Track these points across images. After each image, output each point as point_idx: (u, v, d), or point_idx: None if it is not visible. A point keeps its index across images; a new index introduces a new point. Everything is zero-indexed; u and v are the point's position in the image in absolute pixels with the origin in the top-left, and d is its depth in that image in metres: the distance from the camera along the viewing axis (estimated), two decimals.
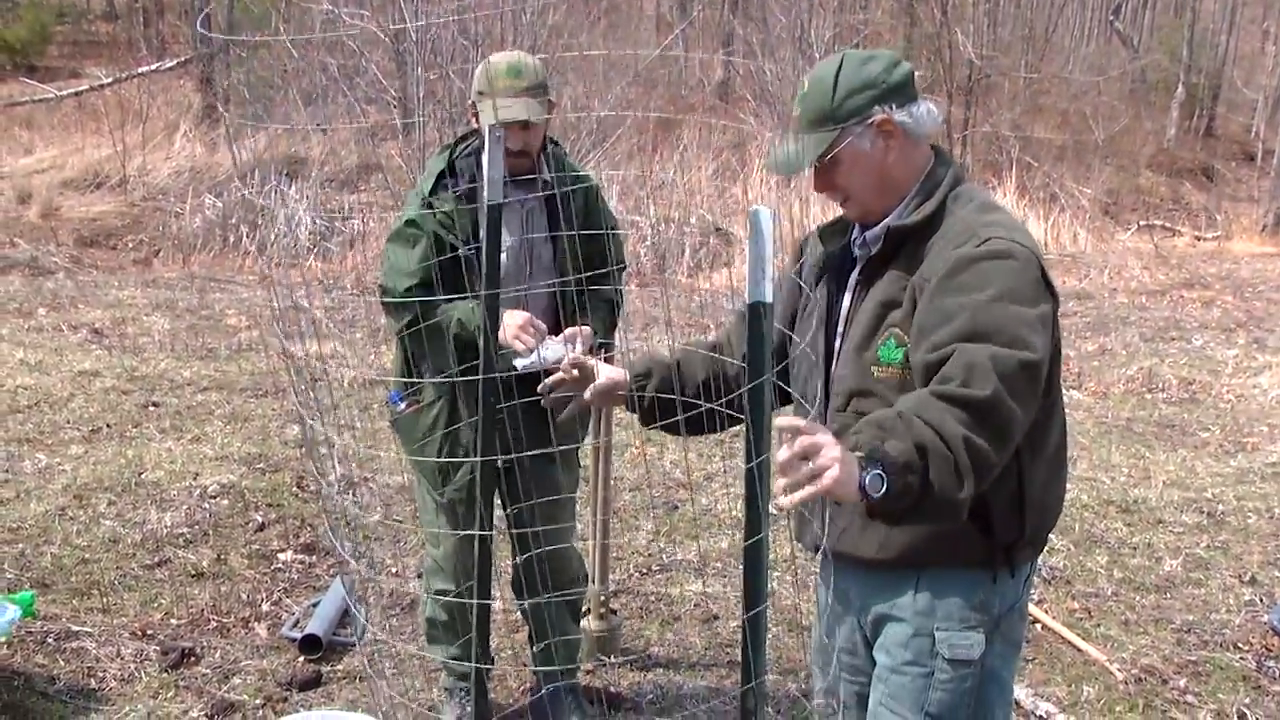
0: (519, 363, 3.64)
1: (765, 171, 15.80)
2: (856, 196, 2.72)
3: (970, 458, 2.30)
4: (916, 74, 2.73)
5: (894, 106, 2.63)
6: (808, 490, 2.20)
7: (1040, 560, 5.78)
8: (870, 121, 2.63)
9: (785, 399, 2.97)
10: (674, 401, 2.97)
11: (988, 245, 2.51)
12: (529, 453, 3.27)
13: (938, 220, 2.64)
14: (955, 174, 2.71)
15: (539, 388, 3.11)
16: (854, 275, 2.77)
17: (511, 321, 3.72)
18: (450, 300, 3.84)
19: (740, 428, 2.40)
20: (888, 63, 2.67)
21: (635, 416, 3.10)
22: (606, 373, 3.06)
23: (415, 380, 4.09)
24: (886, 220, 2.68)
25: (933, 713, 2.71)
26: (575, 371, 3.06)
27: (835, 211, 2.87)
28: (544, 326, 3.75)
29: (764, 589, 2.33)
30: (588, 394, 3.07)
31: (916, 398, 2.39)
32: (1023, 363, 2.39)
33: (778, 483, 2.21)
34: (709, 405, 2.94)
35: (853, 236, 2.80)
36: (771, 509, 2.25)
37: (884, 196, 2.70)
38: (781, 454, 2.19)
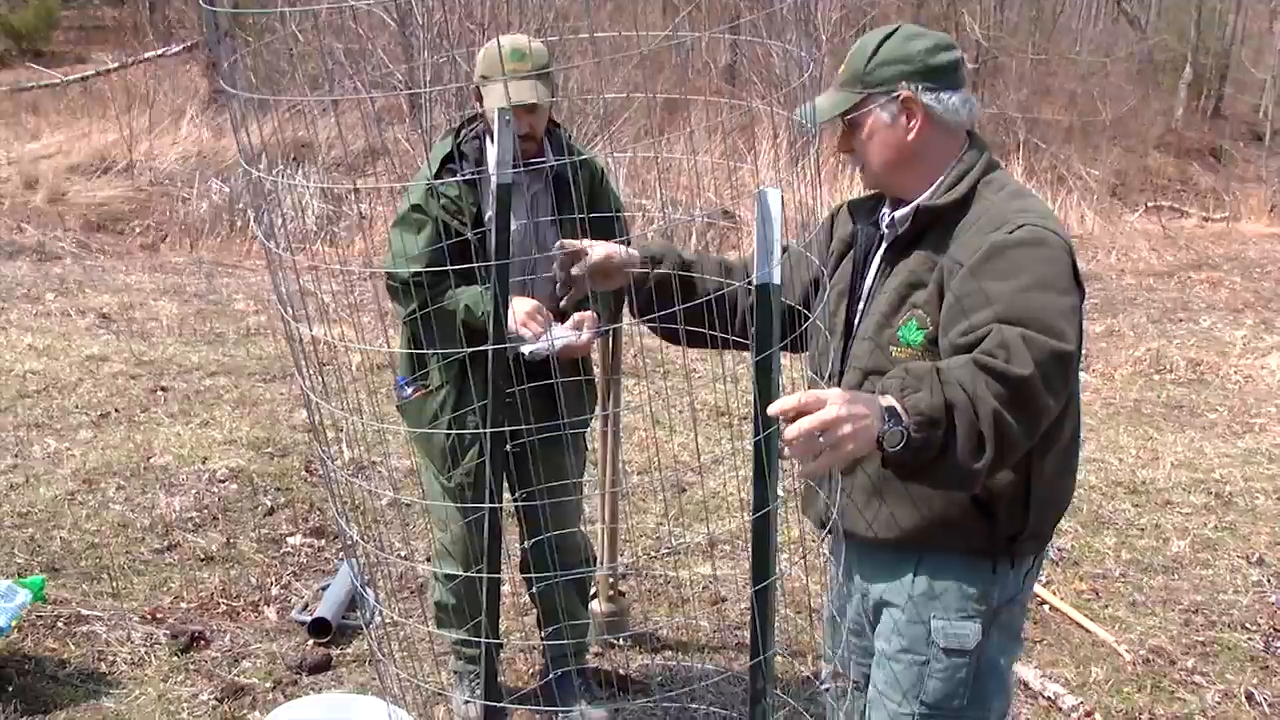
0: (526, 349, 3.64)
1: (776, 141, 15.77)
2: (870, 165, 2.72)
3: (996, 431, 2.28)
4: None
5: (921, 87, 2.62)
6: (823, 460, 2.21)
7: (1047, 547, 5.78)
8: (895, 95, 2.63)
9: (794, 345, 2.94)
10: (675, 297, 2.91)
11: (1022, 232, 2.50)
12: (537, 436, 3.28)
13: (967, 204, 2.63)
14: (988, 161, 2.70)
15: (558, 295, 3.04)
16: (880, 253, 2.76)
17: (520, 308, 3.73)
18: (457, 285, 3.85)
19: (748, 411, 2.40)
20: (934, 44, 2.66)
21: (639, 389, 3.07)
22: (608, 250, 2.99)
23: (422, 366, 4.09)
24: (916, 200, 2.67)
25: (928, 701, 2.71)
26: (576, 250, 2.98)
27: (843, 195, 2.87)
28: (550, 315, 3.75)
29: (773, 564, 2.33)
30: (594, 254, 2.97)
31: (961, 361, 2.37)
32: (1056, 352, 2.39)
33: (787, 452, 2.21)
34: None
35: (882, 214, 2.79)
36: (779, 491, 2.25)
37: (898, 172, 2.70)
38: (791, 431, 2.18)
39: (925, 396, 2.27)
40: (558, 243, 3.03)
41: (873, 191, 2.85)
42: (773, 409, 2.20)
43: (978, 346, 2.40)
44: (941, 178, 2.67)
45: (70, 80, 20.21)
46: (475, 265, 3.74)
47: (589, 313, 3.86)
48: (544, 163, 4.00)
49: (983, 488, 2.51)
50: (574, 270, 2.99)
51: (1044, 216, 2.57)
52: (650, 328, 3.06)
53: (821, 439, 2.17)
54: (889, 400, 2.27)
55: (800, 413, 2.17)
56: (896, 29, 2.69)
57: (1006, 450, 2.33)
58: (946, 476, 2.34)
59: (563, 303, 3.12)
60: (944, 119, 2.66)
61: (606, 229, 4.08)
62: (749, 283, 2.88)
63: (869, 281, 2.77)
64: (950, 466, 2.30)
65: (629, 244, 3.11)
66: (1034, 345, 2.36)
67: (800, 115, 2.73)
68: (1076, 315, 2.49)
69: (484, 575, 2.93)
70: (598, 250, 2.98)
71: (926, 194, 2.67)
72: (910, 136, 2.65)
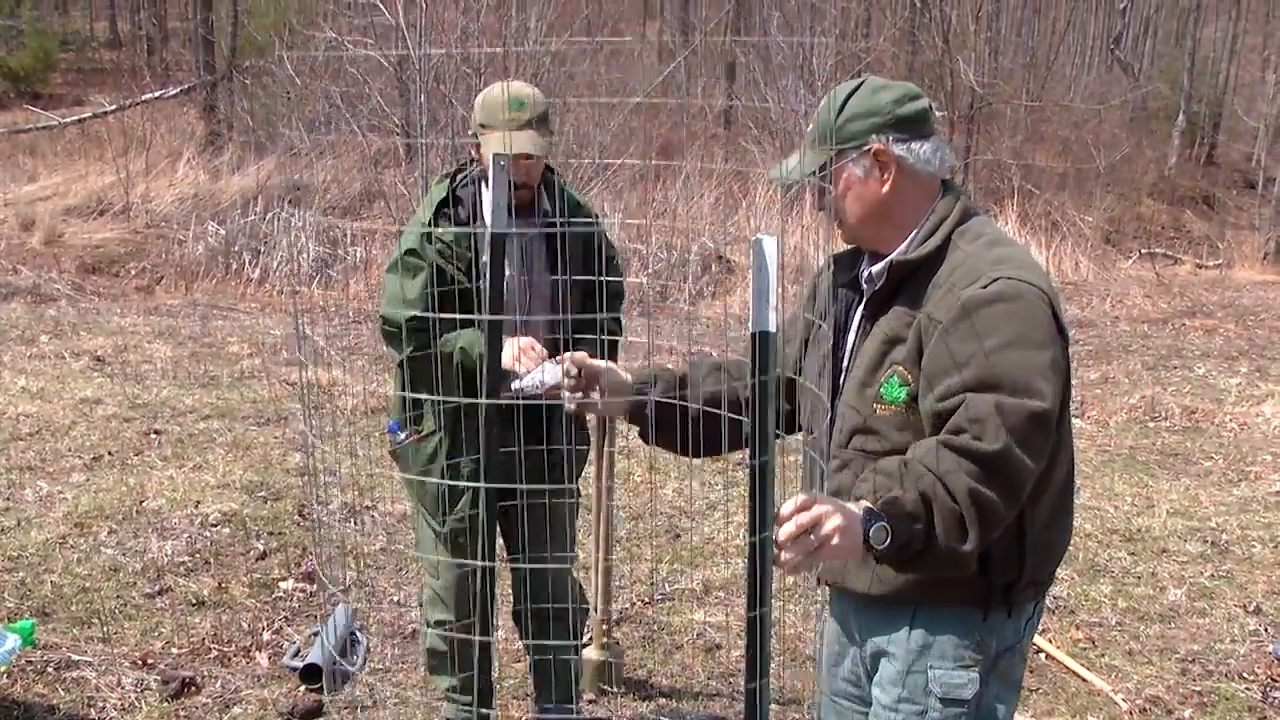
0: (515, 385, 3.62)
1: (771, 187, 15.83)
2: (846, 220, 2.71)
3: (977, 510, 2.31)
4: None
5: (892, 138, 2.61)
6: (811, 556, 2.26)
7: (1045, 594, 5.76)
8: (866, 149, 2.62)
9: (790, 427, 2.96)
10: (676, 413, 2.91)
11: (996, 286, 2.48)
12: (530, 487, 3.26)
13: (941, 255, 2.60)
14: (963, 208, 2.67)
15: (565, 402, 3.04)
16: (860, 309, 2.75)
17: (513, 345, 3.70)
18: (452, 330, 3.84)
19: (743, 456, 2.40)
20: (901, 94, 2.65)
21: (634, 431, 3.05)
22: (609, 375, 2.96)
23: (416, 410, 4.08)
24: (890, 255, 2.67)
25: None
26: (577, 375, 2.96)
27: (837, 243, 2.87)
28: (545, 351, 3.73)
29: (768, 592, 2.33)
30: (596, 395, 2.95)
31: (926, 447, 2.40)
32: (1032, 413, 2.38)
33: (782, 556, 2.25)
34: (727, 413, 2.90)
35: (861, 269, 2.78)
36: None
37: (874, 225, 2.68)
38: (782, 533, 2.22)
39: (898, 494, 2.31)
40: (567, 360, 3.01)
41: (850, 246, 2.85)
42: (780, 534, 2.25)
43: (949, 418, 2.42)
44: (915, 231, 2.66)
45: (68, 122, 20.28)
46: (469, 314, 3.73)
47: (581, 353, 3.84)
48: (538, 210, 3.99)
49: None
50: (588, 391, 2.97)
51: (1020, 266, 2.54)
52: (665, 447, 3.04)
53: (811, 536, 2.22)
54: (865, 503, 2.32)
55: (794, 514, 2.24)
56: (861, 83, 2.68)
57: (990, 525, 2.36)
58: (939, 563, 2.37)
59: (569, 406, 3.10)
60: (916, 169, 2.65)
61: (601, 274, 4.08)
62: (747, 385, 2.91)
63: (851, 338, 2.76)
64: (940, 554, 2.35)
65: (623, 298, 3.08)
66: (1007, 413, 2.37)
67: (777, 174, 2.74)
68: (1057, 368, 2.47)
69: (476, 639, 2.91)
70: (608, 378, 2.95)
71: (901, 248, 2.66)
72: (885, 189, 2.64)
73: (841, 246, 2.89)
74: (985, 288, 2.48)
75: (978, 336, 2.44)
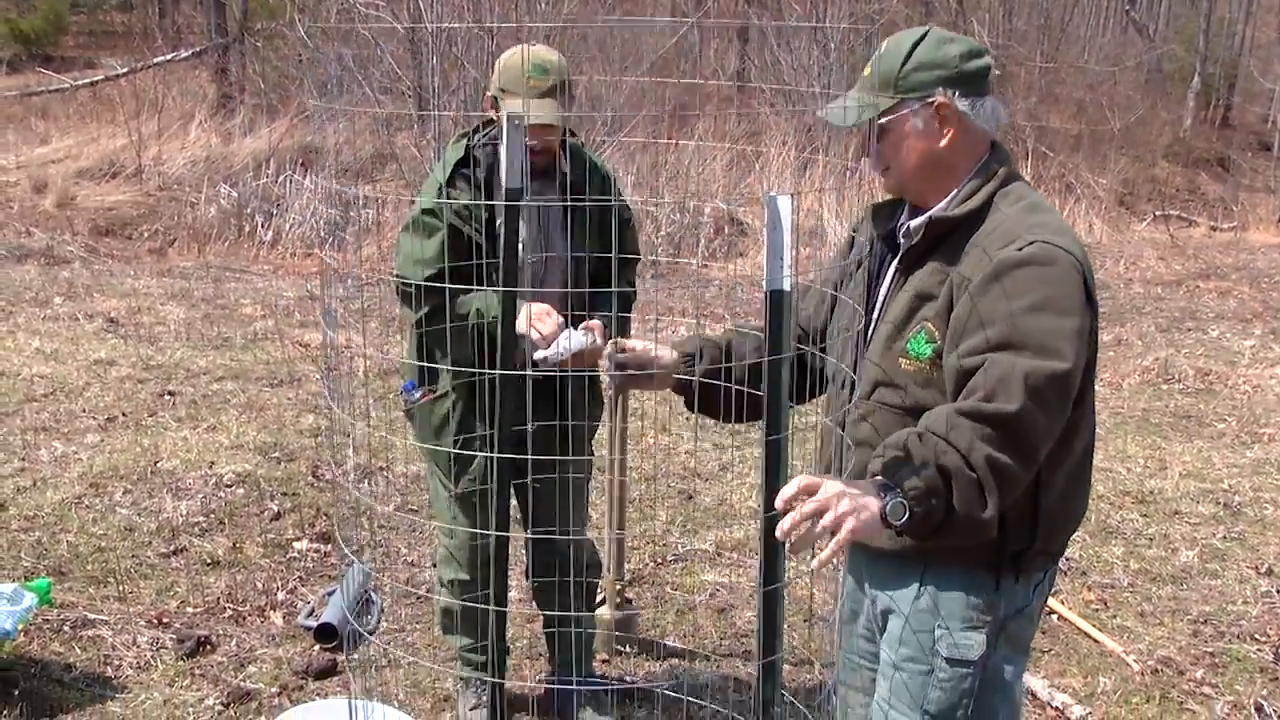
0: (539, 354, 3.61)
1: (785, 148, 15.76)
2: (897, 170, 2.69)
3: (995, 477, 2.32)
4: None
5: (958, 94, 2.60)
6: (831, 549, 2.27)
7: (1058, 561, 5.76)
8: (930, 101, 2.60)
9: (811, 390, 2.96)
10: (719, 385, 2.93)
11: (1031, 249, 2.47)
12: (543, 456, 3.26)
13: (982, 216, 2.60)
14: (1008, 171, 2.66)
15: (604, 384, 3.04)
16: (894, 263, 2.74)
17: (529, 310, 3.69)
18: (468, 290, 3.83)
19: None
20: (968, 49, 2.64)
21: (646, 393, 3.06)
22: (653, 353, 2.99)
23: (430, 370, 4.08)
24: (930, 211, 2.66)
25: (931, 711, 2.69)
26: (620, 352, 2.98)
27: (851, 204, 2.86)
28: (560, 318, 3.72)
29: (782, 567, 2.34)
30: (640, 352, 2.98)
31: (941, 415, 2.40)
32: (1053, 374, 2.39)
33: (788, 546, 2.29)
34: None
35: (899, 222, 2.77)
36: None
37: (925, 179, 2.67)
38: (785, 523, 2.24)
39: (915, 469, 2.33)
40: (609, 345, 3.02)
41: (891, 197, 2.83)
42: (778, 501, 2.26)
43: (971, 377, 2.43)
44: (958, 188, 2.65)
45: (79, 85, 20.23)
46: (486, 272, 3.73)
47: (597, 321, 3.83)
48: (557, 172, 3.97)
49: None
50: (626, 370, 2.99)
51: (1057, 232, 2.53)
52: (709, 415, 3.06)
53: (824, 520, 2.23)
54: (880, 478, 2.34)
55: (801, 496, 2.25)
56: (927, 32, 2.66)
57: (1008, 489, 2.38)
58: (961, 533, 2.39)
59: (608, 393, 3.10)
60: (976, 126, 2.64)
61: (617, 236, 4.06)
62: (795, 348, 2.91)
63: (883, 291, 2.75)
64: (960, 523, 2.36)
65: (638, 258, 3.07)
66: (1029, 373, 2.37)
67: (826, 115, 2.71)
68: (1082, 335, 2.47)
69: (492, 607, 2.92)
70: (640, 348, 2.99)
71: (942, 204, 2.65)
72: (943, 144, 2.62)
73: (877, 198, 2.88)
74: (1020, 250, 2.48)
75: (1007, 297, 2.44)
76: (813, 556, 2.32)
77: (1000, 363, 2.39)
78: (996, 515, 2.37)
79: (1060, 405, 2.44)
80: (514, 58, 3.84)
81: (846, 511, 2.24)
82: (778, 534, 2.26)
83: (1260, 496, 7.00)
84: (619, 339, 3.02)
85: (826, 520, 2.24)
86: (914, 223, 2.68)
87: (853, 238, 2.96)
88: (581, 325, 3.73)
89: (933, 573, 2.68)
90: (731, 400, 2.90)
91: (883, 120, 2.62)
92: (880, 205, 2.86)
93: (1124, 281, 14.60)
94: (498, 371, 2.74)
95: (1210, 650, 5.18)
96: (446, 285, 3.74)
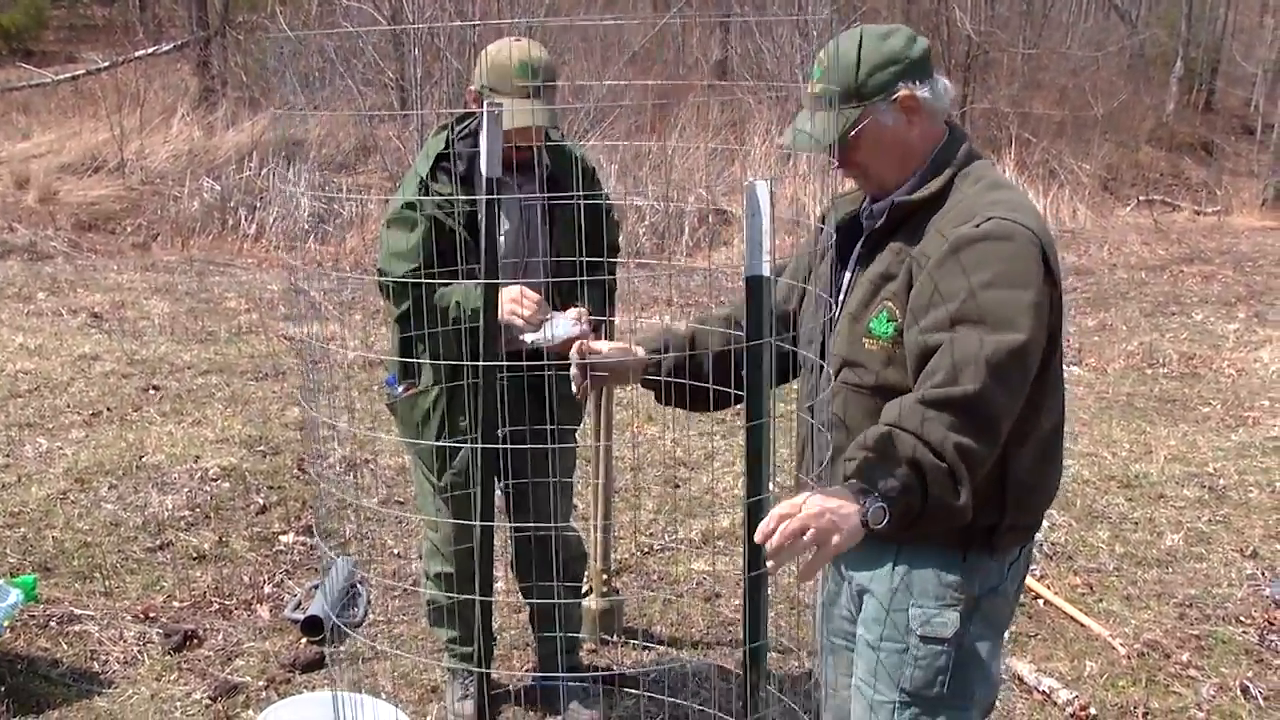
0: (527, 338, 3.58)
1: (767, 138, 15.76)
2: (876, 172, 2.70)
3: (964, 461, 2.38)
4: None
5: (917, 82, 2.63)
6: (816, 560, 2.30)
7: (1040, 537, 5.78)
8: (894, 98, 2.62)
9: (783, 375, 2.97)
10: (689, 375, 2.95)
11: (988, 225, 2.50)
12: (526, 438, 3.25)
13: (943, 197, 2.62)
14: (968, 151, 2.69)
15: (572, 385, 3.03)
16: (858, 247, 2.76)
17: (506, 296, 3.66)
18: (449, 283, 3.82)
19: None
20: (907, 38, 2.66)
21: (641, 394, 3.08)
22: (618, 353, 3.02)
23: (411, 362, 4.07)
24: (892, 195, 2.67)
25: (908, 689, 2.71)
26: (586, 347, 3.01)
27: (834, 191, 2.87)
28: (539, 298, 3.68)
29: (764, 567, 2.35)
30: (605, 353, 3.01)
31: (904, 407, 2.44)
32: (1011, 349, 2.42)
33: (777, 561, 2.30)
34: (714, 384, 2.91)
35: (862, 207, 2.78)
36: (771, 485, 2.26)
37: (903, 170, 2.69)
38: (772, 545, 2.26)
39: (890, 468, 2.35)
40: (574, 349, 3.02)
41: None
42: (757, 536, 2.28)
43: (932, 355, 2.46)
44: (919, 170, 2.67)
45: (60, 79, 20.14)
46: (467, 265, 3.72)
47: (582, 309, 3.82)
48: (538, 165, 3.96)
49: None
50: (590, 371, 3.00)
51: (1015, 209, 2.55)
52: (679, 407, 3.08)
53: (806, 537, 2.25)
54: (855, 484, 2.36)
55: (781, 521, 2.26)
56: (860, 34, 2.66)
57: (976, 471, 2.42)
58: (937, 521, 2.43)
59: (576, 395, 3.09)
60: (935, 108, 2.67)
61: (598, 232, 4.04)
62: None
63: (848, 275, 2.77)
64: (937, 512, 2.40)
65: (619, 251, 3.07)
66: (987, 349, 2.40)
67: (792, 144, 2.72)
68: (1041, 309, 2.48)
69: (477, 598, 2.92)
70: (605, 350, 3.02)
71: (904, 189, 2.67)
72: (913, 132, 2.66)
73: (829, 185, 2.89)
74: (977, 226, 2.51)
75: (964, 273, 2.47)
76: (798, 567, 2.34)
77: (959, 341, 2.42)
78: (970, 501, 2.40)
79: (1020, 379, 2.47)
80: (500, 54, 3.79)
81: (828, 529, 2.27)
82: (766, 564, 2.29)
83: (1245, 480, 7.02)
84: (586, 342, 3.03)
85: (808, 539, 2.26)
86: (877, 207, 2.71)
87: (823, 225, 2.97)
88: (569, 312, 3.71)
89: (906, 552, 2.70)
90: (701, 391, 2.93)
91: (854, 132, 2.63)
92: (842, 196, 2.89)
93: (1108, 267, 14.64)
94: (480, 363, 2.73)
95: (1196, 633, 5.20)
96: (422, 280, 3.73)
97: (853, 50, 2.64)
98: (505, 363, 3.01)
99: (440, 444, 4.01)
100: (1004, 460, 2.57)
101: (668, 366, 3.00)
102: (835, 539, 2.27)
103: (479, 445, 2.83)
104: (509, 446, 3.28)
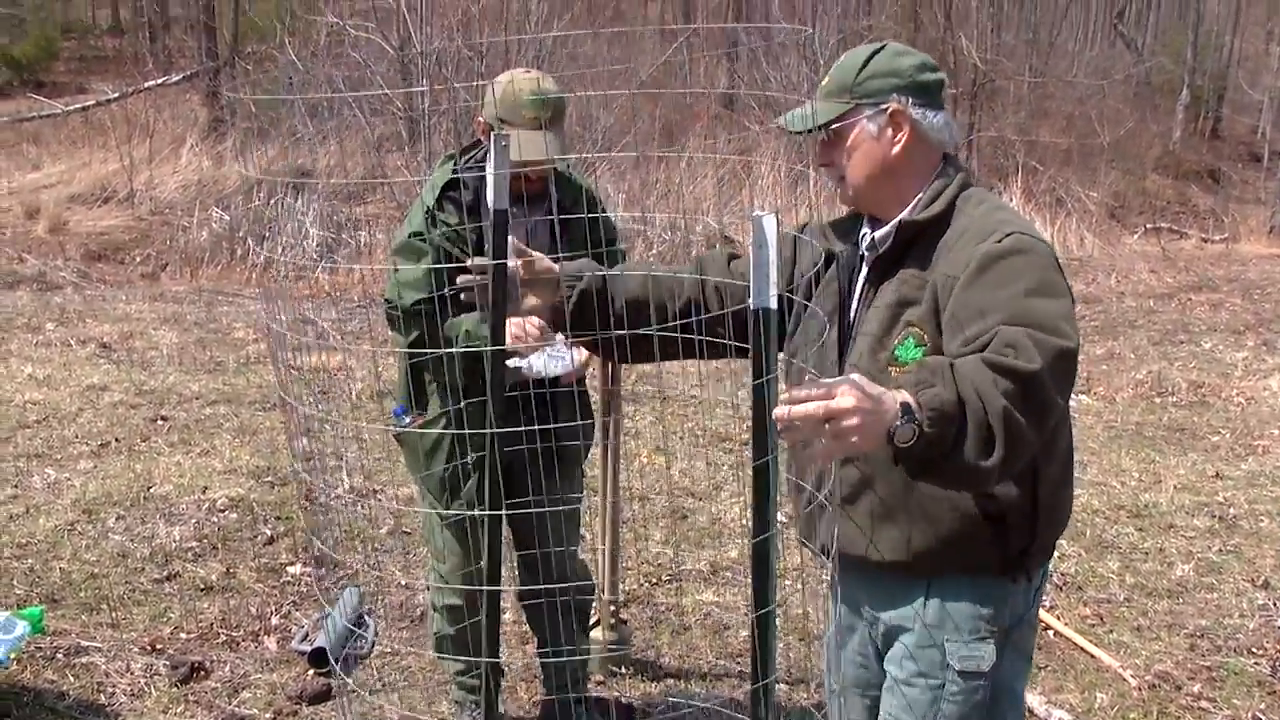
0: (512, 362, 3.56)
1: (774, 166, 15.78)
2: (851, 178, 2.70)
3: (1005, 430, 2.26)
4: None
5: (911, 101, 2.63)
6: (824, 450, 2.20)
7: (1050, 567, 5.76)
8: (884, 107, 2.63)
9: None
10: (604, 310, 2.89)
11: (1010, 240, 2.50)
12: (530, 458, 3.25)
13: (947, 219, 2.62)
14: (964, 179, 2.70)
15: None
16: (863, 275, 2.75)
17: (511, 326, 3.64)
18: (457, 314, 3.82)
19: (750, 438, 2.38)
20: (922, 62, 2.68)
21: (640, 416, 3.06)
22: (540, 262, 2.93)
23: (420, 394, 4.07)
24: (897, 217, 2.67)
25: None
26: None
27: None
28: (541, 323, 3.66)
29: (773, 590, 2.33)
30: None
31: (970, 360, 2.35)
32: (1062, 350, 2.38)
33: (788, 438, 2.21)
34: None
35: (861, 235, 2.77)
36: (780, 517, 2.24)
37: (877, 187, 2.68)
38: (796, 409, 2.15)
39: (940, 391, 2.26)
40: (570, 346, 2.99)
41: (850, 212, 2.84)
42: (776, 412, 2.17)
43: (985, 350, 2.39)
44: (920, 194, 2.67)
45: (71, 110, 20.27)
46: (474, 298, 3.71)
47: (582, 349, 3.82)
48: (545, 195, 3.96)
49: (992, 501, 2.54)
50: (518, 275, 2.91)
51: (1024, 227, 2.58)
52: (588, 350, 3.04)
53: (828, 426, 2.15)
54: (904, 396, 2.25)
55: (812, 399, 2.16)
56: (884, 45, 2.71)
57: (1015, 448, 2.30)
58: (956, 473, 2.33)
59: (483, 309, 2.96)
60: (927, 136, 2.67)
61: (603, 256, 4.04)
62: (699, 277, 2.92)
63: (854, 305, 2.75)
64: (960, 463, 2.29)
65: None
66: (1040, 344, 2.36)
67: (786, 121, 2.72)
68: (1074, 319, 2.49)
69: (483, 607, 2.91)
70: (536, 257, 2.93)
71: (907, 210, 2.66)
72: (895, 150, 2.65)
73: (836, 213, 2.89)
74: (999, 242, 2.50)
75: (1000, 285, 2.46)
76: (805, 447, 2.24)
77: (1012, 332, 2.37)
78: (994, 472, 2.30)
79: (1069, 382, 2.45)
80: (510, 88, 3.81)
81: (853, 426, 2.14)
82: (774, 416, 2.17)
83: (1255, 509, 7.00)
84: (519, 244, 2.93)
85: (828, 430, 2.15)
86: (879, 232, 2.69)
87: (795, 247, 2.95)
88: (557, 346, 3.69)
89: (938, 585, 2.67)
90: (615, 335, 2.87)
91: (836, 125, 2.65)
92: (838, 221, 2.87)
93: (1116, 295, 14.63)
94: (484, 398, 2.72)
95: (1207, 664, 5.18)
96: (417, 308, 3.73)
97: (865, 54, 2.69)
98: (515, 392, 3.00)
99: (446, 468, 4.00)
100: (1035, 475, 2.56)
101: (577, 295, 2.91)
102: (853, 439, 2.15)
103: (485, 475, 2.82)
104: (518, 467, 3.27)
